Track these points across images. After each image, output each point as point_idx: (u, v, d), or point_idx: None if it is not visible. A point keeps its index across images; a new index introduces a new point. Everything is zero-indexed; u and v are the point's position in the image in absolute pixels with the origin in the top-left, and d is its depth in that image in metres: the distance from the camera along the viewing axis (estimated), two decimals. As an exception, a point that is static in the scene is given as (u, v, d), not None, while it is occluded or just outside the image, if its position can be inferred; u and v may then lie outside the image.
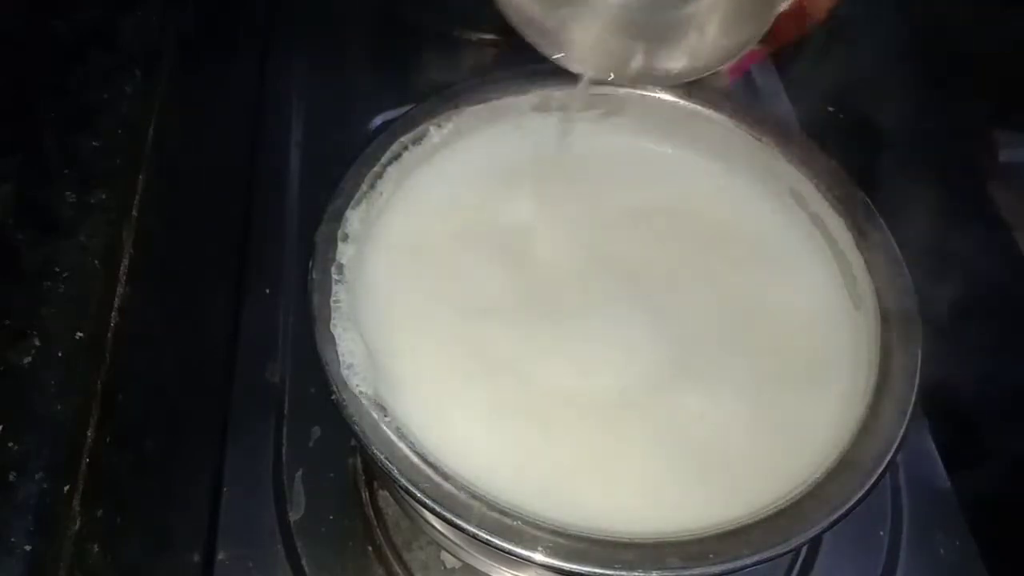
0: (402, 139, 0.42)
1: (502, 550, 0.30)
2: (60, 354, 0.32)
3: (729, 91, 0.45)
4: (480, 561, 0.40)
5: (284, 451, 0.47)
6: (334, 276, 0.37)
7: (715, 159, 0.46)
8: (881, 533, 0.47)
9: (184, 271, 0.46)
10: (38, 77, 0.39)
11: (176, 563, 0.43)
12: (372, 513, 0.45)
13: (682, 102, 0.45)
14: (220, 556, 0.44)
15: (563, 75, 0.44)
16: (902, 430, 0.34)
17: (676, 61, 0.41)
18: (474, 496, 0.31)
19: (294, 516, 0.45)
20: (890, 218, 0.40)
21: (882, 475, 0.32)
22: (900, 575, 0.46)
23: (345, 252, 0.38)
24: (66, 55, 0.40)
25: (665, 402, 0.38)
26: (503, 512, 0.31)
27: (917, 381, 0.35)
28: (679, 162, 0.46)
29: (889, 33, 0.73)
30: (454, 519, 0.30)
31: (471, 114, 0.44)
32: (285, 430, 0.48)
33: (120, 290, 0.36)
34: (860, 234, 0.40)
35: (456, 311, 0.40)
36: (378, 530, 0.45)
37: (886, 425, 0.34)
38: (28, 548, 0.28)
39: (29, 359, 0.32)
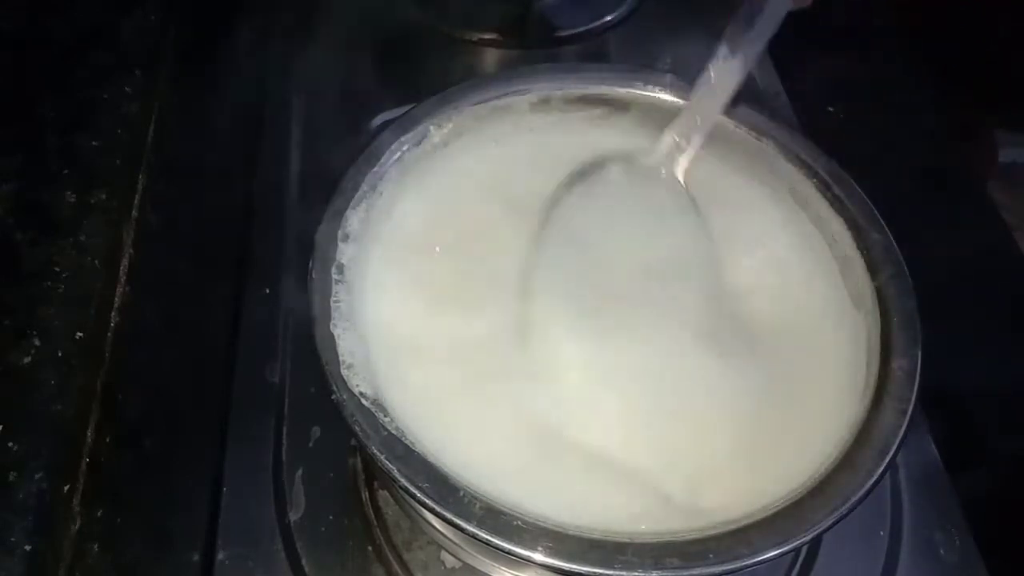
0: (402, 139, 0.42)
1: (502, 550, 0.30)
2: (60, 354, 0.32)
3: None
4: (480, 561, 0.40)
5: (284, 451, 0.47)
6: (334, 276, 0.37)
7: (715, 159, 0.46)
8: (881, 533, 0.46)
9: (184, 271, 0.46)
10: (38, 77, 0.39)
11: (176, 563, 0.43)
12: (372, 513, 0.45)
13: (683, 103, 0.45)
14: (220, 556, 0.44)
15: (563, 75, 0.44)
16: (902, 430, 0.34)
17: None
18: (474, 496, 0.31)
19: (294, 516, 0.45)
20: (890, 218, 0.40)
21: (882, 475, 0.32)
22: (900, 575, 0.46)
23: (345, 252, 0.38)
24: (66, 55, 0.40)
25: (665, 403, 0.38)
26: (503, 512, 0.31)
27: (917, 381, 0.35)
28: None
29: (890, 33, 0.73)
30: (454, 519, 0.30)
31: (471, 114, 0.44)
32: (285, 430, 0.48)
33: (120, 290, 0.36)
34: (860, 234, 0.40)
35: (457, 311, 0.40)
36: (378, 530, 0.45)
37: (886, 425, 0.34)
38: (28, 548, 0.28)
39: (29, 359, 0.32)
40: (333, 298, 0.36)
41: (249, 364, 0.51)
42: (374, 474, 0.46)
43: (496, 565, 0.40)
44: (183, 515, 0.44)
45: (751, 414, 0.37)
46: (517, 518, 0.31)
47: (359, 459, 0.47)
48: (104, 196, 0.36)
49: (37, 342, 0.32)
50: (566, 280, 0.41)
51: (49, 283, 0.34)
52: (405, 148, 0.42)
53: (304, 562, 0.44)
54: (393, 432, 0.32)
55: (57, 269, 0.34)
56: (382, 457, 0.32)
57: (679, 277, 0.41)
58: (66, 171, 0.37)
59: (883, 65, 0.71)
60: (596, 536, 0.31)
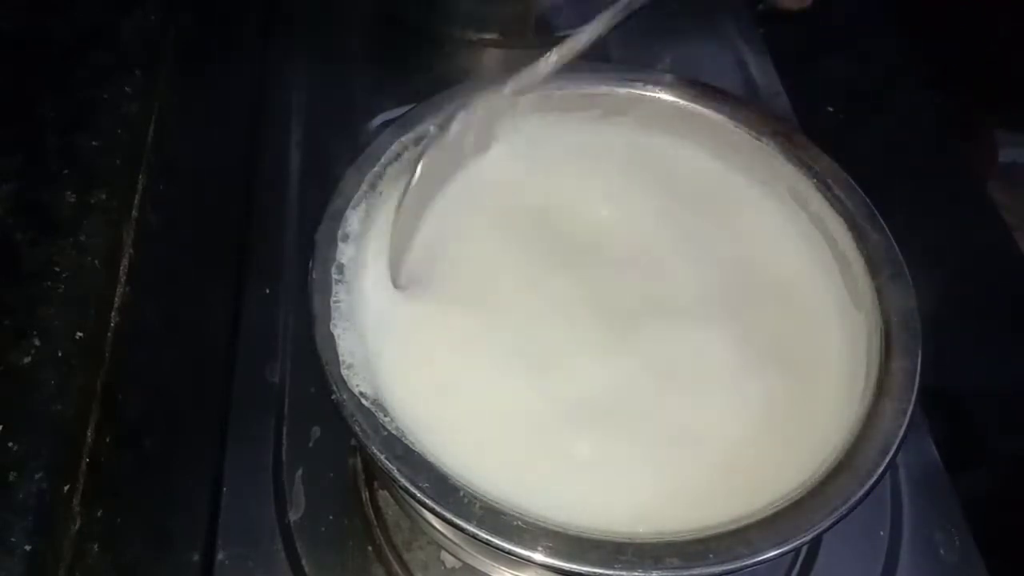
0: (402, 139, 0.42)
1: (502, 550, 0.30)
2: (60, 354, 0.32)
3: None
4: (480, 561, 0.40)
5: (284, 451, 0.47)
6: (334, 276, 0.37)
7: (715, 159, 0.46)
8: (881, 533, 0.47)
9: (184, 271, 0.46)
10: (38, 77, 0.39)
11: (176, 563, 0.43)
12: (372, 513, 0.45)
13: (682, 102, 0.45)
14: (220, 556, 0.44)
15: (562, 74, 0.44)
16: (902, 430, 0.34)
17: None
18: (474, 496, 0.31)
19: (294, 516, 0.45)
20: (890, 218, 0.40)
21: (882, 475, 0.32)
22: (900, 575, 0.46)
23: (345, 252, 0.38)
24: (66, 55, 0.40)
25: (666, 403, 0.38)
26: (503, 512, 0.31)
27: (917, 381, 0.35)
28: (679, 162, 0.46)
29: (890, 33, 0.73)
30: (454, 519, 0.30)
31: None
32: (285, 430, 0.48)
33: (120, 290, 0.36)
34: (860, 234, 0.40)
35: (457, 309, 0.40)
36: (378, 530, 0.45)
37: (886, 425, 0.34)
38: (28, 548, 0.28)
39: (29, 359, 0.32)
40: (333, 298, 0.36)
41: (249, 364, 0.51)
42: (374, 474, 0.46)
43: (496, 565, 0.40)
44: (183, 515, 0.44)
45: (750, 414, 0.37)
46: (517, 518, 0.31)
47: (359, 459, 0.47)
48: (104, 196, 0.36)
49: (37, 342, 0.32)
50: (564, 277, 0.41)
51: (49, 283, 0.34)
52: (405, 148, 0.42)
53: (304, 562, 0.44)
54: (393, 432, 0.33)
55: (57, 269, 0.34)
56: (382, 457, 0.32)
57: None
58: (66, 171, 0.37)
59: (883, 65, 0.71)
60: (596, 536, 0.31)
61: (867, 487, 0.32)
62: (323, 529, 0.45)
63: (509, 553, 0.30)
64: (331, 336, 0.35)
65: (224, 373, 0.50)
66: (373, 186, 0.40)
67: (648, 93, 0.45)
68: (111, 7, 0.43)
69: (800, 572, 0.45)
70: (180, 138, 0.44)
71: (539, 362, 0.38)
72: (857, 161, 0.42)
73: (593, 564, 0.30)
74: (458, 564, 0.44)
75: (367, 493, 0.46)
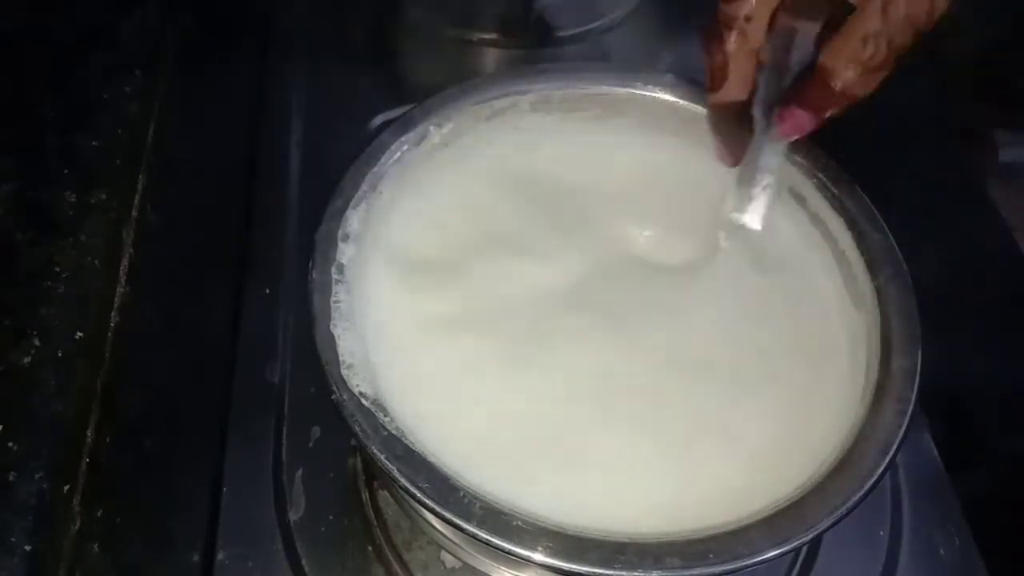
0: (402, 139, 0.42)
1: (502, 550, 0.30)
2: (60, 354, 0.32)
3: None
4: (480, 561, 0.40)
5: (284, 451, 0.47)
6: (334, 276, 0.37)
7: (715, 159, 0.45)
8: (881, 533, 0.47)
9: (184, 271, 0.46)
10: (38, 77, 0.39)
11: (176, 563, 0.43)
12: (372, 513, 0.45)
13: (682, 102, 0.45)
14: (220, 556, 0.44)
15: (563, 75, 0.44)
16: (902, 430, 0.34)
17: None
18: (474, 496, 0.31)
19: (294, 516, 0.45)
20: (890, 218, 0.40)
21: (882, 475, 0.32)
22: (900, 575, 0.46)
23: (345, 252, 0.38)
24: (66, 55, 0.40)
25: (664, 401, 0.38)
26: (503, 512, 0.31)
27: (917, 381, 0.35)
28: (679, 161, 0.46)
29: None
30: (454, 519, 0.30)
31: (471, 114, 0.44)
32: (285, 430, 0.48)
33: (120, 290, 0.36)
34: (860, 234, 0.40)
35: (457, 311, 0.40)
36: (378, 530, 0.45)
37: (886, 425, 0.34)
38: (28, 548, 0.28)
39: (29, 359, 0.32)
40: (333, 298, 0.36)
41: (249, 364, 0.51)
42: (374, 474, 0.46)
43: (496, 565, 0.40)
44: (183, 515, 0.44)
45: (750, 414, 0.37)
46: (517, 518, 0.31)
47: (359, 459, 0.47)
48: (104, 196, 0.36)
49: (37, 342, 0.32)
50: (566, 278, 0.41)
51: (49, 283, 0.34)
52: (405, 148, 0.42)
53: (304, 562, 0.44)
54: (393, 432, 0.33)
55: (57, 269, 0.34)
56: (382, 457, 0.32)
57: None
58: (66, 171, 0.37)
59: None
60: (596, 536, 0.31)
61: (867, 487, 0.32)
62: (323, 529, 0.45)
63: (509, 553, 0.30)
64: (331, 336, 0.35)
65: (224, 373, 0.50)
66: (373, 186, 0.40)
67: (648, 93, 0.45)
68: (111, 7, 0.43)
69: (800, 572, 0.45)
70: (180, 138, 0.44)
71: (540, 361, 0.38)
72: (857, 161, 0.42)
73: (593, 564, 0.30)
74: (458, 564, 0.44)
75: (367, 493, 0.46)
